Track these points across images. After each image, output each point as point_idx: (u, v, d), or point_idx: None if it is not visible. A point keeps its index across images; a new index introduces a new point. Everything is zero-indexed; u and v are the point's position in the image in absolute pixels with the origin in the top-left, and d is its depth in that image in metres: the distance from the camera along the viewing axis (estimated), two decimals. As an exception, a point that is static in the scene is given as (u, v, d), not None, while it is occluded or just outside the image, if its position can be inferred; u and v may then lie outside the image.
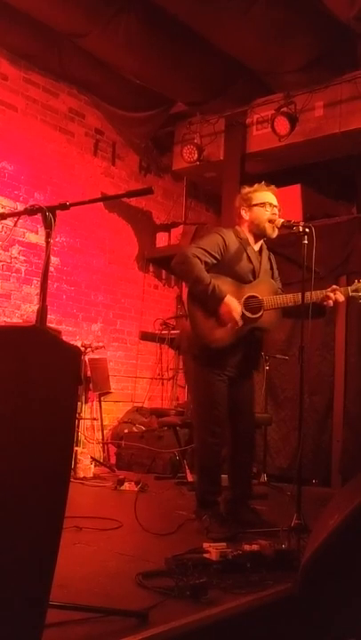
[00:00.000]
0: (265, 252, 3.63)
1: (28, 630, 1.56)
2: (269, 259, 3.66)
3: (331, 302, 3.37)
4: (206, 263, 3.39)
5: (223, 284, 3.37)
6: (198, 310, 3.41)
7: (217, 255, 3.42)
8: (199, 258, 3.37)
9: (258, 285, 3.47)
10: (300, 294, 3.33)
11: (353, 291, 3.40)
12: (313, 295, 3.34)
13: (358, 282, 3.43)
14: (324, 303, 3.37)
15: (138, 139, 6.96)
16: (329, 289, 3.37)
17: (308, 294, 3.30)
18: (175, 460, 5.64)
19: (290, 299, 3.39)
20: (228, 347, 3.40)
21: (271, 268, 3.66)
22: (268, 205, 3.50)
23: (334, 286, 3.42)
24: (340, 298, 3.38)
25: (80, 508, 3.73)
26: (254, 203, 3.51)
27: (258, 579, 2.41)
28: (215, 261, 3.43)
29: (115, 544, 3.01)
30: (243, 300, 3.40)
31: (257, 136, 6.38)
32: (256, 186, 3.58)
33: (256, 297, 3.41)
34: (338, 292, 3.37)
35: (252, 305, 3.40)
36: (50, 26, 5.19)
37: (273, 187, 3.59)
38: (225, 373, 3.44)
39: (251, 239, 3.55)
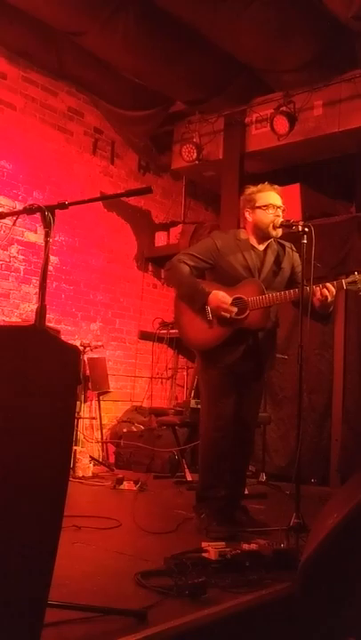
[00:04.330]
0: (272, 252, 3.54)
1: (27, 629, 1.56)
2: (278, 257, 3.55)
3: (319, 299, 3.28)
4: (196, 268, 3.44)
5: (211, 288, 3.39)
6: (185, 314, 3.46)
7: (207, 259, 3.45)
8: (186, 263, 3.44)
9: (244, 286, 3.42)
10: (286, 292, 3.33)
11: (348, 283, 3.35)
12: (307, 291, 3.28)
13: (357, 274, 3.38)
14: (314, 299, 3.28)
15: (137, 138, 6.95)
16: (320, 284, 3.30)
17: (301, 292, 3.24)
18: (174, 459, 5.64)
19: (275, 298, 3.34)
20: (217, 348, 3.40)
21: (278, 265, 3.54)
22: (271, 207, 3.44)
23: (327, 283, 3.34)
24: (331, 290, 3.26)
25: (79, 508, 3.74)
26: (257, 205, 3.47)
27: (256, 578, 2.41)
28: (208, 265, 3.46)
29: (114, 543, 3.01)
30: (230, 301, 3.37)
31: (256, 135, 6.37)
32: (260, 186, 3.52)
33: (242, 298, 3.39)
34: (328, 286, 3.25)
35: (237, 306, 3.37)
36: (49, 24, 5.19)
37: (277, 187, 3.54)
38: (230, 370, 3.42)
39: (254, 240, 3.51)
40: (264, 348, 3.54)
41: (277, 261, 3.56)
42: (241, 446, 3.55)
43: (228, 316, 3.34)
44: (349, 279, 3.35)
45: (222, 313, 3.34)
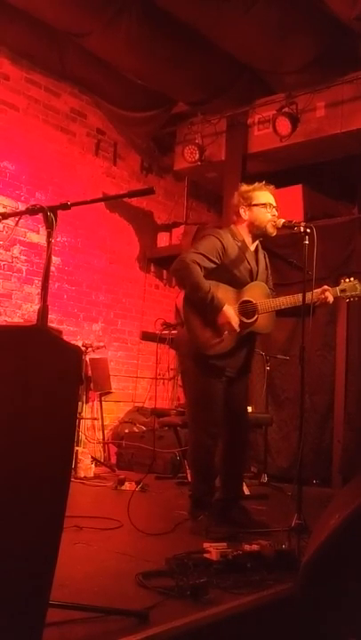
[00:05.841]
0: (261, 252, 3.60)
1: (29, 629, 1.56)
2: (264, 258, 3.64)
3: (321, 301, 3.37)
4: (205, 268, 3.36)
5: (220, 291, 3.35)
6: (196, 318, 3.38)
7: (216, 260, 3.38)
8: (198, 264, 3.33)
9: (252, 289, 3.44)
10: (293, 297, 3.35)
11: (341, 291, 3.39)
12: (309, 297, 3.32)
13: (344, 281, 3.42)
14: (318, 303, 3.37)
15: (139, 139, 6.96)
16: (319, 290, 3.36)
17: (303, 296, 3.28)
18: (176, 459, 5.64)
19: (283, 301, 3.37)
20: (226, 353, 3.39)
21: (266, 268, 3.63)
22: (269, 206, 3.46)
23: (325, 286, 3.40)
24: (330, 298, 3.37)
25: (81, 508, 3.74)
26: (255, 202, 3.47)
27: (258, 579, 2.41)
28: (214, 266, 3.39)
29: (115, 544, 3.01)
30: (237, 305, 3.38)
31: (258, 136, 6.37)
32: (256, 185, 3.52)
33: (250, 301, 3.40)
34: (327, 293, 3.36)
35: (246, 310, 3.39)
36: (51, 25, 5.20)
37: (272, 187, 3.55)
38: (225, 375, 3.44)
39: (248, 239, 3.51)
40: (253, 348, 3.62)
41: (266, 265, 3.63)
42: (237, 446, 3.56)
43: (234, 334, 3.35)
44: (341, 286, 3.39)
45: (229, 332, 3.34)
